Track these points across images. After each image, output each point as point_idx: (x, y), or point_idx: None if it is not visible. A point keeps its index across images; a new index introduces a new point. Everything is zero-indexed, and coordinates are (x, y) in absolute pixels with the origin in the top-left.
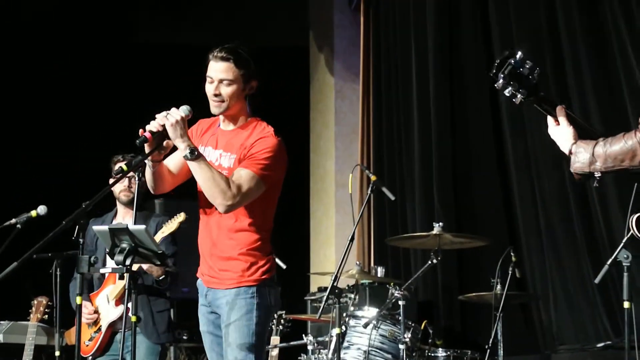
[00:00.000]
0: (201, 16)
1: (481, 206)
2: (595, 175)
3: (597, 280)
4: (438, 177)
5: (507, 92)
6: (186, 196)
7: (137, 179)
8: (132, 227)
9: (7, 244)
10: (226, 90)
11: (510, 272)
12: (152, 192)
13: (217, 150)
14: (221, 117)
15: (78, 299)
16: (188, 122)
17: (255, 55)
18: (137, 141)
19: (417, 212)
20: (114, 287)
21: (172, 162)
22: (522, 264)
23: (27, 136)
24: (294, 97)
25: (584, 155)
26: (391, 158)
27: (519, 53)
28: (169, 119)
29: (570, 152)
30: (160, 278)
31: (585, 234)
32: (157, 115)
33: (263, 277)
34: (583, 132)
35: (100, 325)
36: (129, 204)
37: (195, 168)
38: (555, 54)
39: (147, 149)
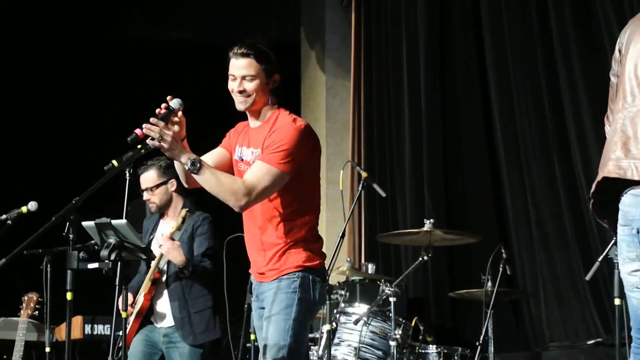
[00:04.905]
0: (192, 11)
1: (472, 203)
2: None
3: (587, 277)
4: (429, 174)
5: None
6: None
7: (128, 174)
8: (114, 221)
9: None
10: (250, 86)
11: (500, 268)
12: (185, 185)
13: (249, 149)
14: (249, 116)
15: (69, 295)
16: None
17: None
18: (129, 138)
19: (408, 209)
20: (146, 280)
21: (209, 158)
22: (513, 261)
23: (16, 131)
24: (285, 93)
25: None
26: (382, 155)
27: None
28: (163, 144)
29: None
30: (181, 266)
31: (576, 230)
32: (151, 122)
33: (306, 264)
34: None
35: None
36: (161, 212)
37: (201, 179)
38: (546, 44)
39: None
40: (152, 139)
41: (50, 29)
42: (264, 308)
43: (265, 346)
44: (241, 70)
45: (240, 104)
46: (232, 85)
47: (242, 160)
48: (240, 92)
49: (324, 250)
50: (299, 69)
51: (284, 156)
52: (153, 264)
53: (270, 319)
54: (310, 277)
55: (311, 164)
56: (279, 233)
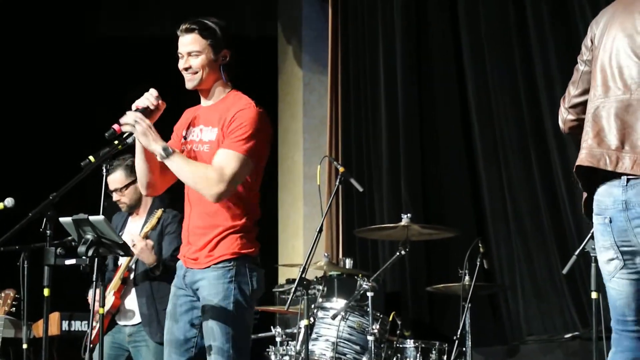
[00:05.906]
0: (165, 5)
1: (449, 197)
2: None
3: (564, 271)
4: (406, 169)
5: None
6: None
7: (105, 170)
8: (92, 217)
9: None
10: (195, 62)
11: (478, 263)
12: (142, 192)
13: (197, 127)
14: (201, 95)
15: (46, 291)
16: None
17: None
18: (107, 134)
19: (385, 204)
20: (116, 278)
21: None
22: (490, 255)
23: None
24: (262, 88)
25: None
26: (359, 150)
27: None
28: (137, 128)
29: None
30: (152, 266)
31: (553, 225)
32: (127, 113)
33: (242, 251)
34: None
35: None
36: (131, 211)
37: (173, 166)
38: (523, 40)
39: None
40: (128, 124)
41: (28, 25)
42: (192, 296)
43: (209, 339)
44: (186, 47)
45: (188, 82)
46: (180, 64)
47: (186, 139)
48: (187, 69)
49: (302, 245)
50: (275, 64)
51: (248, 140)
52: (124, 263)
53: (209, 310)
54: (247, 264)
55: (264, 151)
56: (219, 218)
